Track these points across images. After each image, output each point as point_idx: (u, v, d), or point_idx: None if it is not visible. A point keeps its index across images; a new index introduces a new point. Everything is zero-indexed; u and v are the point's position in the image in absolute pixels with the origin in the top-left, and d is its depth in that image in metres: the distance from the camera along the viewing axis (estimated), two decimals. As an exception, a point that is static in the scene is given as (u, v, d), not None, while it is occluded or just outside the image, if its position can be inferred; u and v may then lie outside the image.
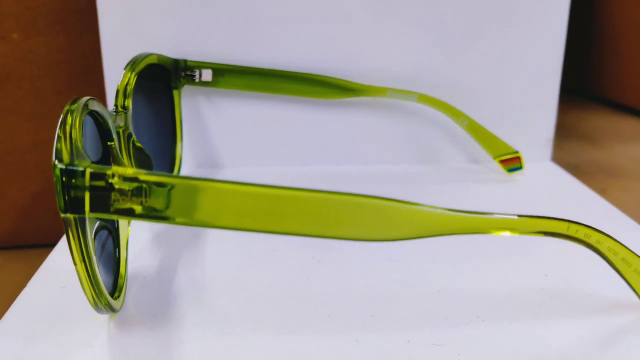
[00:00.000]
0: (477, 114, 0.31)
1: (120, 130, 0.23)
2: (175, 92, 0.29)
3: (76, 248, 0.15)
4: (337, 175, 0.32)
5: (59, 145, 0.15)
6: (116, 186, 0.15)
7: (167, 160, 0.29)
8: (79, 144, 0.16)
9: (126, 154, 0.24)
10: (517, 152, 0.31)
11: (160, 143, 0.29)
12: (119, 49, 0.30)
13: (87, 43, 0.33)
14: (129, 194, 0.15)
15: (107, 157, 0.22)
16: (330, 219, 0.15)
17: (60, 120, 0.17)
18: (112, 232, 0.21)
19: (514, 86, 0.32)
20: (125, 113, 0.23)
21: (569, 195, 0.29)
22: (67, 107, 0.18)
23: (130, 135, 0.24)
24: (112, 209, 0.15)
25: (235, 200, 0.15)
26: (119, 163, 0.22)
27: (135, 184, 0.15)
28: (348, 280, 0.21)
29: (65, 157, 0.15)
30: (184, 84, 0.30)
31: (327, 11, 0.30)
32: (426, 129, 0.32)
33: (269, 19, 0.30)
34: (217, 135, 0.32)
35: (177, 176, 0.15)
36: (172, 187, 0.15)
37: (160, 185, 0.15)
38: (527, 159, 0.31)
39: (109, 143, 0.21)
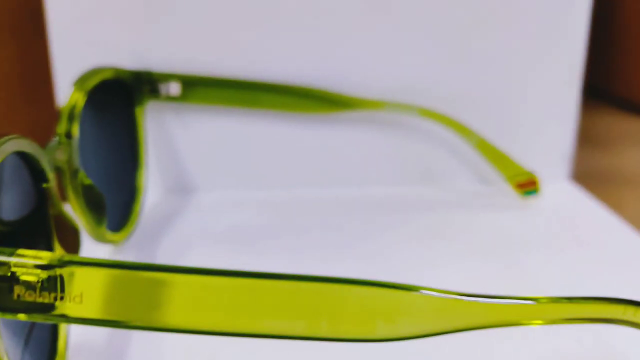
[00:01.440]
0: (485, 127, 0.27)
1: (64, 166, 0.19)
2: (137, 110, 0.25)
3: (-26, 354, 0.11)
4: (327, 200, 0.28)
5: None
6: (21, 277, 0.11)
7: (128, 191, 0.25)
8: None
9: (73, 194, 0.20)
10: (533, 174, 0.27)
11: (118, 172, 0.24)
12: (73, 59, 0.26)
13: (42, 52, 0.29)
14: (39, 286, 0.11)
15: (43, 203, 0.18)
16: (303, 317, 0.11)
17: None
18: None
19: (528, 96, 0.28)
20: (70, 144, 0.19)
21: (592, 224, 0.26)
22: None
23: (76, 171, 0.20)
24: (17, 308, 0.11)
25: (191, 295, 0.11)
26: (57, 210, 0.18)
27: (47, 273, 0.11)
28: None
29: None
30: (147, 100, 0.26)
31: (315, 14, 0.26)
32: (429, 147, 0.28)
33: (247, 22, 0.26)
34: (188, 156, 0.28)
35: (110, 262, 0.11)
36: (102, 278, 0.11)
37: (85, 275, 0.11)
38: (542, 178, 0.27)
39: (44, 185, 0.17)
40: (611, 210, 0.27)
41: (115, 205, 0.24)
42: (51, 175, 0.18)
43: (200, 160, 0.28)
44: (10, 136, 0.15)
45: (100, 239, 0.21)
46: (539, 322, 0.12)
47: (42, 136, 0.30)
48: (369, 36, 0.27)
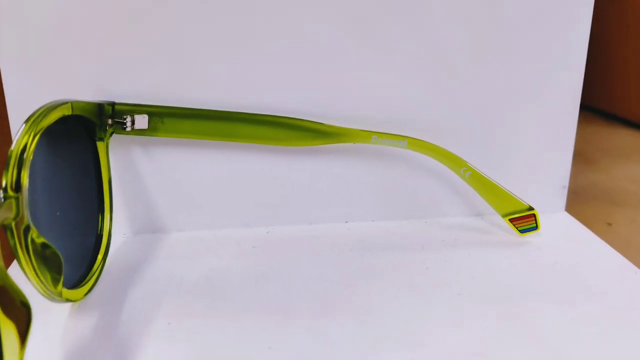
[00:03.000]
0: (479, 159, 0.25)
1: (12, 224, 0.17)
2: (100, 145, 0.23)
3: None
4: (310, 237, 0.25)
5: None
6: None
7: (90, 239, 0.22)
8: None
9: (23, 256, 0.17)
10: (531, 208, 0.25)
11: (79, 218, 0.22)
12: (27, 90, 0.23)
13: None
14: None
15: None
16: None
17: None
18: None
19: (524, 125, 0.26)
20: (18, 198, 0.17)
21: (593, 261, 0.24)
22: None
23: (27, 229, 0.17)
24: None
25: None
26: (1, 281, 0.15)
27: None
28: None
29: None
30: (111, 134, 0.23)
31: (296, 38, 0.24)
32: (419, 180, 0.26)
33: (222, 48, 0.24)
34: (157, 194, 0.25)
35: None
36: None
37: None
38: (539, 210, 0.25)
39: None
40: (603, 237, 0.26)
41: (76, 257, 0.21)
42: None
43: (171, 198, 0.25)
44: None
45: (57, 299, 0.19)
46: None
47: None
48: (355, 64, 0.25)
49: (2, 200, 0.16)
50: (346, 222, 0.27)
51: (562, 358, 0.18)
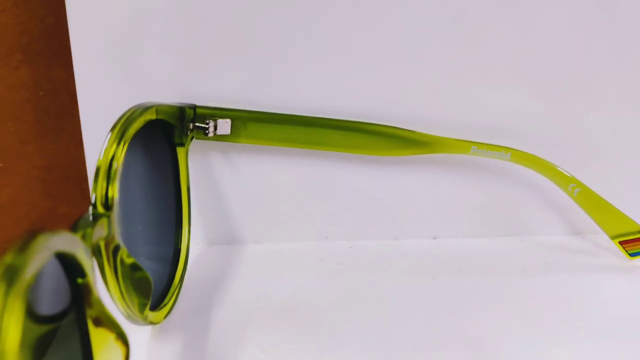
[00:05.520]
0: (586, 174, 0.23)
1: (102, 244, 0.15)
2: (180, 151, 0.21)
3: None
4: (398, 255, 0.23)
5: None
6: None
7: (169, 255, 0.20)
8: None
9: (113, 279, 0.15)
10: (646, 229, 0.23)
11: (159, 233, 0.20)
12: (101, 87, 0.22)
13: (60, 77, 0.25)
14: None
15: (79, 298, 0.13)
16: None
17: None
18: None
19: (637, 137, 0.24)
20: (109, 216, 0.15)
21: None
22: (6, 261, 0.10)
23: (117, 249, 0.15)
24: None
25: None
26: (97, 310, 0.13)
27: None
28: None
29: None
30: (191, 140, 0.21)
31: (389, 39, 0.22)
32: (520, 194, 0.24)
33: (309, 49, 0.22)
34: (236, 203, 0.24)
35: None
36: None
37: None
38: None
39: (79, 281, 0.13)
40: None
41: (155, 274, 0.19)
42: (89, 267, 0.13)
43: (249, 208, 0.24)
44: (41, 237, 0.11)
45: (140, 322, 0.17)
46: None
47: (57, 173, 0.26)
48: (454, 68, 0.22)
49: (92, 218, 0.15)
50: (434, 238, 0.25)
51: None
